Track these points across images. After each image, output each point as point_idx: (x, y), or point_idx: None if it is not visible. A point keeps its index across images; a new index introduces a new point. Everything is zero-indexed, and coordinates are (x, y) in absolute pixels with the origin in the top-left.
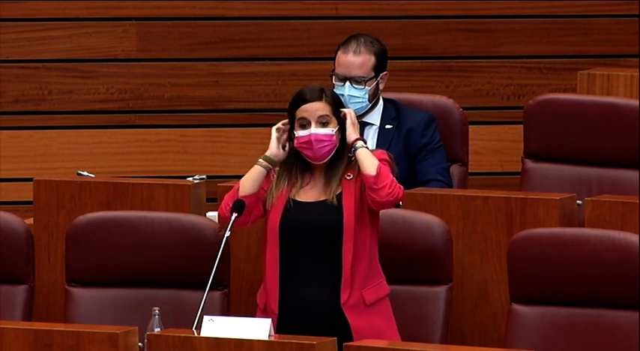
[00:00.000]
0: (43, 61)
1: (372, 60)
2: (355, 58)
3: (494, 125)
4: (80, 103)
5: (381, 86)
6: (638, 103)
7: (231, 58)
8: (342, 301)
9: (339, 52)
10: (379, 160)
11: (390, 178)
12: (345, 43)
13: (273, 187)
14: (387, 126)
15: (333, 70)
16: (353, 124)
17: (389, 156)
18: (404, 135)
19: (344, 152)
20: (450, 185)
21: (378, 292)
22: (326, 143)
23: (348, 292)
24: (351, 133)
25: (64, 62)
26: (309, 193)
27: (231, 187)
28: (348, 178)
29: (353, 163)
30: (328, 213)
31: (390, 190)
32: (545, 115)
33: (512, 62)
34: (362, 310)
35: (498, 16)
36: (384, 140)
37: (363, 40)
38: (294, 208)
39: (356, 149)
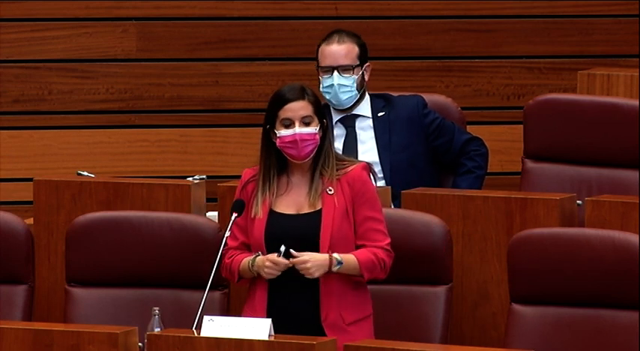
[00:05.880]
0: (43, 61)
1: (355, 49)
2: (340, 47)
3: (494, 125)
4: (80, 103)
5: (366, 77)
6: (638, 103)
7: (231, 58)
8: (321, 319)
9: (322, 46)
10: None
11: (376, 265)
12: (326, 38)
13: (259, 194)
14: (380, 114)
15: (318, 64)
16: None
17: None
18: (405, 122)
19: (323, 151)
20: (486, 150)
21: (360, 312)
22: (310, 142)
23: (326, 311)
24: (323, 260)
25: (64, 62)
26: (290, 202)
27: (232, 186)
28: (329, 192)
29: (330, 171)
30: (307, 231)
31: (383, 272)
32: (545, 115)
33: (512, 62)
34: (342, 329)
35: (498, 16)
36: (382, 129)
37: (344, 32)
38: (276, 220)
39: (338, 268)
